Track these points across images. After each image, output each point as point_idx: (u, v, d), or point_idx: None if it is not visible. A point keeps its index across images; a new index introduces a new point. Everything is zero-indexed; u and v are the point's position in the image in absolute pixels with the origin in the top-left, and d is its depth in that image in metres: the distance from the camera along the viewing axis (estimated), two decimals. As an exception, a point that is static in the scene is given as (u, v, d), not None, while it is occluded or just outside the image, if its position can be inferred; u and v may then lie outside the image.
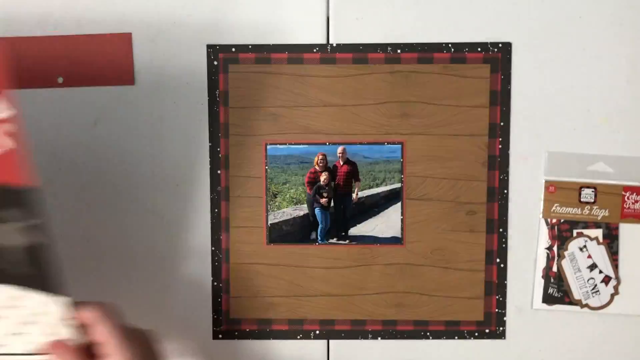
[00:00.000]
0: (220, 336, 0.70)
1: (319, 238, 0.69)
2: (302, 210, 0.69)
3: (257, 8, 0.67)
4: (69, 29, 0.68)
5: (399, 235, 0.69)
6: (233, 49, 0.67)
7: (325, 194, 0.69)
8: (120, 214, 0.69)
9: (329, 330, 0.70)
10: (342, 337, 0.70)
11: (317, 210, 0.69)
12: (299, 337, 0.70)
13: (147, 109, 0.68)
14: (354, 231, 0.69)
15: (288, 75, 0.68)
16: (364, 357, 0.70)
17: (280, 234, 0.69)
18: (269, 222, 0.69)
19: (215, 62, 0.68)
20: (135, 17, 0.67)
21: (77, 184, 0.69)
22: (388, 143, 0.68)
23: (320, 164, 0.69)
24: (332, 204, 0.70)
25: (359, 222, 0.69)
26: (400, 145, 0.68)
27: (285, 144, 0.68)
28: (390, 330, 0.70)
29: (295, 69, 0.67)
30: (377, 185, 0.69)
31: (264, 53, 0.67)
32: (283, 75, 0.68)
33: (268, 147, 0.68)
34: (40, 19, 0.68)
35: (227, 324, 0.70)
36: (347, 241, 0.69)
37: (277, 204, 0.69)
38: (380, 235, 0.69)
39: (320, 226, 0.69)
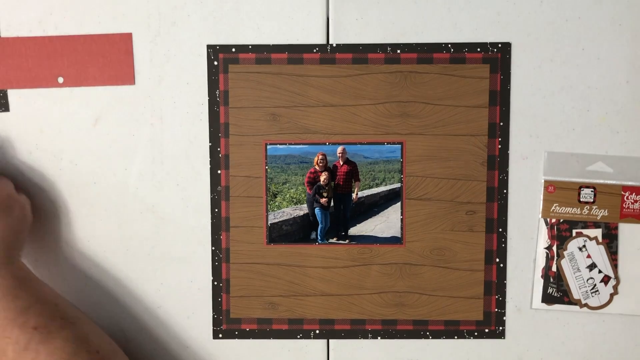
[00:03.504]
0: (220, 336, 0.70)
1: (319, 238, 0.69)
2: (302, 210, 0.70)
3: (256, 8, 0.67)
4: (69, 29, 0.68)
5: (398, 235, 0.69)
6: (233, 49, 0.67)
7: (325, 194, 0.69)
8: (120, 214, 0.69)
9: (328, 330, 0.70)
10: (341, 337, 0.70)
11: (317, 210, 0.70)
12: (298, 336, 0.70)
13: (147, 109, 0.68)
14: (353, 231, 0.69)
15: (288, 75, 0.68)
16: (363, 356, 0.70)
17: (280, 233, 0.69)
18: (269, 222, 0.69)
19: (215, 62, 0.68)
20: (135, 17, 0.67)
21: (77, 184, 0.69)
22: (388, 143, 0.68)
23: (320, 164, 0.69)
24: (332, 203, 0.70)
25: (359, 222, 0.69)
26: (399, 145, 0.68)
27: (285, 144, 0.68)
28: (389, 330, 0.70)
29: (295, 69, 0.68)
30: (377, 185, 0.69)
31: (264, 53, 0.67)
32: (283, 75, 0.68)
33: (268, 147, 0.68)
34: (40, 19, 0.68)
35: (227, 324, 0.70)
36: (347, 241, 0.69)
37: (277, 203, 0.69)
38: (380, 235, 0.69)
39: (320, 226, 0.70)
